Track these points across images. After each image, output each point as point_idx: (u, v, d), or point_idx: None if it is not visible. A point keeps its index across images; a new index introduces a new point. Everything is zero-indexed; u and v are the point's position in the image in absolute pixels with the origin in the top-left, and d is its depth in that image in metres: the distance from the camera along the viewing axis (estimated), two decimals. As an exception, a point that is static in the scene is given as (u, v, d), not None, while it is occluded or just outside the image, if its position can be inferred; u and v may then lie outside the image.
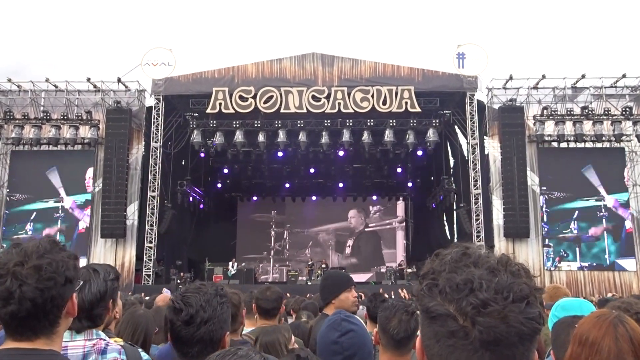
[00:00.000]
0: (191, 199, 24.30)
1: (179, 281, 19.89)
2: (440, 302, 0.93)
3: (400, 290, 14.56)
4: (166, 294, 5.48)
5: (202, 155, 23.32)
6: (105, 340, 1.96)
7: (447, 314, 0.92)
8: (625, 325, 1.66)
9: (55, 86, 20.84)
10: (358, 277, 22.99)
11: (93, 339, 1.94)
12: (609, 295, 14.26)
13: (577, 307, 2.88)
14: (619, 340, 1.62)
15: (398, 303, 2.58)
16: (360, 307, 3.92)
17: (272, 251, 29.11)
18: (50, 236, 1.53)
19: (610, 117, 19.73)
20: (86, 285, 1.99)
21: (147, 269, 19.46)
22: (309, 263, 22.89)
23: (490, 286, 0.91)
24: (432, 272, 0.98)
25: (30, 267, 1.34)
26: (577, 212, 19.78)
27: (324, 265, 22.85)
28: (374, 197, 29.23)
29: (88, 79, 20.59)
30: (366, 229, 29.73)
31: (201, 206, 26.20)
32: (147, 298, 6.29)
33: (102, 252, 19.80)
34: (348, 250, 29.38)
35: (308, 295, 12.14)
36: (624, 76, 19.82)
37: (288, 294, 13.51)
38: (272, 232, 29.28)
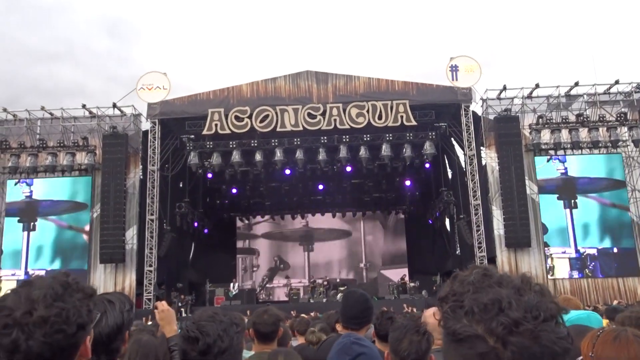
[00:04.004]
0: (190, 220, 24.20)
1: (180, 304, 19.70)
2: (467, 324, 0.90)
3: (405, 306, 14.42)
4: None
5: (200, 176, 23.30)
6: None
7: (476, 335, 0.88)
8: None
9: (51, 114, 20.86)
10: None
11: None
12: (615, 302, 14.15)
13: (585, 320, 2.83)
14: None
15: (408, 323, 2.51)
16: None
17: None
18: (65, 272, 1.42)
19: (605, 124, 19.80)
20: (103, 318, 1.89)
21: (148, 293, 19.28)
22: (311, 281, 22.73)
23: (520, 305, 0.89)
24: (454, 294, 0.95)
25: (37, 317, 1.24)
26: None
27: (325, 283, 22.71)
28: (373, 212, 29.14)
29: (83, 106, 20.62)
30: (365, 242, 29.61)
31: (201, 228, 26.09)
32: (149, 323, 6.19)
33: (102, 278, 19.64)
34: (347, 265, 29.20)
35: (313, 313, 12.03)
36: (617, 82, 19.94)
37: (293, 312, 13.40)
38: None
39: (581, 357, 1.72)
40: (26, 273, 19.98)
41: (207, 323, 1.81)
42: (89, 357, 1.37)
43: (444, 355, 0.96)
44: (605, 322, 3.47)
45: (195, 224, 25.19)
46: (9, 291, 1.33)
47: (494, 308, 0.88)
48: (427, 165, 22.83)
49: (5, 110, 20.63)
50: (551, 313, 0.89)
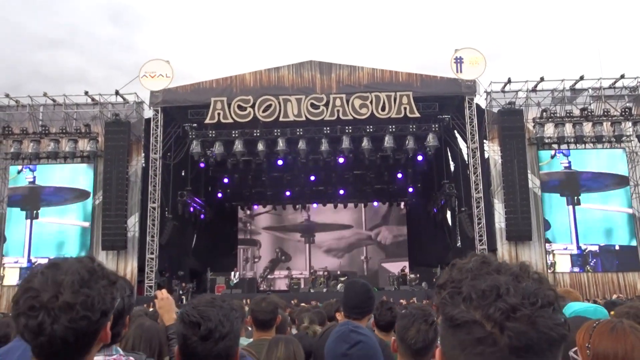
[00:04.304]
0: (192, 209, 24.26)
1: (181, 292, 19.81)
2: (465, 310, 0.90)
3: (402, 302, 14.38)
4: None
5: (202, 165, 23.33)
6: (125, 356, 1.91)
7: (473, 321, 0.88)
8: None
9: (53, 100, 20.86)
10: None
11: (113, 355, 1.89)
12: (614, 297, 14.18)
13: (592, 313, 2.82)
14: None
15: (416, 312, 2.51)
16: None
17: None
18: (91, 257, 1.44)
19: (609, 118, 19.73)
20: None
21: (149, 280, 19.39)
22: (312, 271, 22.82)
23: (518, 292, 0.89)
24: (452, 281, 0.95)
25: (63, 302, 1.26)
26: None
27: (325, 273, 22.80)
28: (375, 203, 29.19)
29: (86, 92, 20.62)
30: (367, 234, 29.66)
31: (202, 216, 26.16)
32: (150, 310, 6.23)
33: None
34: (347, 257, 29.28)
35: (314, 302, 12.07)
36: (622, 77, 19.84)
37: (293, 301, 13.44)
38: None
39: (576, 348, 1.72)
40: (29, 261, 20.09)
41: (208, 308, 1.80)
42: (107, 342, 1.39)
43: (441, 341, 0.97)
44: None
45: (197, 213, 25.27)
46: (35, 271, 1.34)
47: (491, 294, 0.88)
48: (430, 158, 22.80)
49: (7, 96, 20.64)
50: (549, 300, 0.89)
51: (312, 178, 25.76)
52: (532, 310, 0.86)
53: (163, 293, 2.86)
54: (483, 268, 0.94)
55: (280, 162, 22.48)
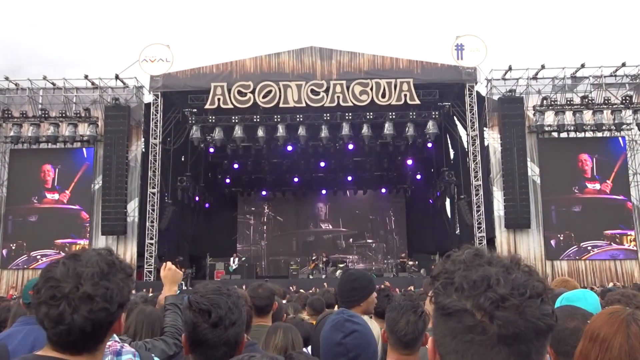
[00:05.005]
0: (191, 194, 24.28)
1: (180, 277, 19.90)
2: (457, 299, 0.93)
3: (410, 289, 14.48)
4: None
5: (202, 151, 23.29)
6: (119, 342, 1.95)
7: (464, 310, 0.92)
8: (639, 322, 1.63)
9: (53, 84, 20.78)
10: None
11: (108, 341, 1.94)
12: (610, 285, 14.28)
13: (582, 298, 2.85)
14: (630, 338, 1.58)
15: (406, 303, 2.53)
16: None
17: (264, 245, 29.27)
18: (109, 249, 1.49)
19: (610, 106, 19.69)
20: None
21: (149, 265, 19.49)
22: (312, 258, 22.89)
23: (507, 282, 0.92)
24: (446, 272, 0.99)
25: (82, 293, 1.32)
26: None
27: (325, 259, 22.87)
28: (374, 190, 29.23)
29: (86, 76, 20.53)
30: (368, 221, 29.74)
31: (202, 202, 26.20)
32: (150, 295, 6.29)
33: (104, 250, 19.73)
34: (347, 243, 29.40)
35: (313, 288, 12.15)
36: (623, 65, 19.75)
37: (292, 287, 13.53)
38: (265, 227, 29.46)
39: None
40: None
41: (216, 296, 1.84)
42: (120, 333, 1.44)
43: (433, 330, 1.00)
44: None
45: (197, 198, 25.30)
46: (55, 261, 1.39)
47: (482, 284, 0.92)
48: (430, 145, 22.78)
49: (7, 78, 20.55)
50: (537, 291, 0.92)
51: (312, 164, 25.75)
52: (520, 300, 0.90)
53: (170, 265, 2.95)
54: (475, 260, 0.97)
55: (280, 149, 22.43)
